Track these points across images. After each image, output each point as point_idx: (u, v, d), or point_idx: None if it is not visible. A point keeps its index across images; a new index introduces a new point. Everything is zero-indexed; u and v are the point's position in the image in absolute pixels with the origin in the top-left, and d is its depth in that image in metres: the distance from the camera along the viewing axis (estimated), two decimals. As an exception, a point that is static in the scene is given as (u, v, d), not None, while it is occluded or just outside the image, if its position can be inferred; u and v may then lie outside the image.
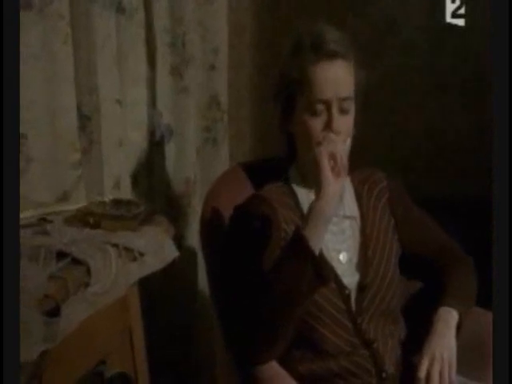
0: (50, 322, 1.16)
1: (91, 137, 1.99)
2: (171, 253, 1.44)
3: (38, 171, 1.87)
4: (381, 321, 1.61)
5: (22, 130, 1.82)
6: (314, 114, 1.55)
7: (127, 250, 1.34)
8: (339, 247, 1.63)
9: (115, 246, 1.33)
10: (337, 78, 1.54)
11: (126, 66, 2.06)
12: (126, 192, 2.10)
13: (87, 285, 1.24)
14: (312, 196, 1.49)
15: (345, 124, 1.55)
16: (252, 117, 2.52)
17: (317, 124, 1.55)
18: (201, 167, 2.37)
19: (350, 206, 1.68)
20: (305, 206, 1.57)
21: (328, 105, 1.54)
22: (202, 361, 2.33)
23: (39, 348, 1.14)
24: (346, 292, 1.57)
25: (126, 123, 2.09)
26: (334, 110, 1.54)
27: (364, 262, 1.62)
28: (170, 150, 2.27)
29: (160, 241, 1.42)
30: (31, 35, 1.79)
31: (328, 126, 1.54)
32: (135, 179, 2.18)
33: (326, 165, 1.43)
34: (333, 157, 1.44)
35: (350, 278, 1.60)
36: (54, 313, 1.18)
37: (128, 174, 2.13)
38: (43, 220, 1.45)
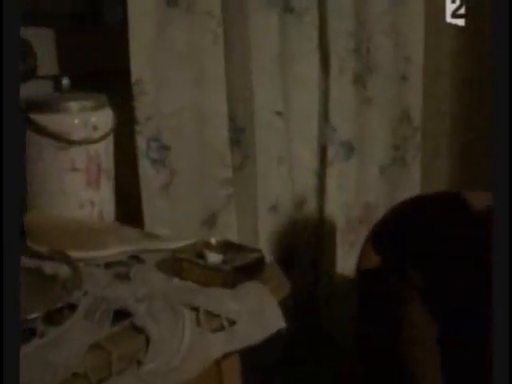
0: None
1: (245, 151, 1.76)
2: (275, 322, 1.13)
3: (181, 187, 1.67)
4: None
5: (165, 140, 1.63)
6: None
7: (212, 315, 1.07)
8: None
9: (195, 309, 1.06)
10: None
11: (293, 73, 1.81)
12: (285, 216, 1.85)
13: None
14: None
15: None
16: (451, 135, 2.16)
17: None
18: (385, 191, 2.06)
19: None
20: None
21: None
22: None
23: None
24: None
25: (289, 138, 1.82)
26: None
27: None
28: (348, 169, 1.98)
29: (262, 304, 1.13)
30: (177, 34, 1.58)
31: None
32: (299, 202, 1.91)
33: None
34: None
35: None
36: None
37: (289, 195, 1.86)
38: (135, 258, 1.21)
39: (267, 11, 1.69)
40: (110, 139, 1.28)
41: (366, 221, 2.03)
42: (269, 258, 1.23)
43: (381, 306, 1.60)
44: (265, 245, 1.82)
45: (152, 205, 1.62)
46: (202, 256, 1.18)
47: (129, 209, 1.57)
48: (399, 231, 1.69)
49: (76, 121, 1.21)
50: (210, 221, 1.72)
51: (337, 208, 1.98)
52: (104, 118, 1.26)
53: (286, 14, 1.74)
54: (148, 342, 0.99)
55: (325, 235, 1.97)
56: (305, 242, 1.96)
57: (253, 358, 1.18)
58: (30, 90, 1.37)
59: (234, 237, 1.73)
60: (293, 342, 1.92)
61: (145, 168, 1.60)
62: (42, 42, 1.46)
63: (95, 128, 1.22)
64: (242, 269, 1.16)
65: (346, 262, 1.99)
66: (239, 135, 1.73)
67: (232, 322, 1.08)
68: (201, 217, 1.71)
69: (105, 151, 1.26)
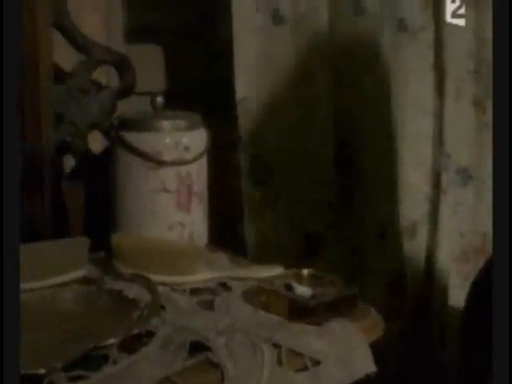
0: None
1: (352, 175, 1.69)
2: (364, 366, 1.05)
3: (284, 209, 1.67)
4: None
5: (269, 160, 1.61)
6: None
7: (295, 353, 1.00)
8: None
9: (277, 346, 0.99)
10: None
11: (405, 94, 1.71)
12: (394, 244, 1.76)
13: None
14: None
15: None
16: None
17: None
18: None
19: None
20: None
21: None
22: None
23: None
24: None
25: (401, 162, 1.73)
26: None
27: None
28: (464, 196, 1.87)
29: (351, 345, 1.05)
30: (283, 53, 1.57)
31: None
32: (410, 229, 1.82)
33: None
34: None
35: None
36: None
37: (399, 222, 1.77)
38: (223, 286, 1.16)
39: (380, 30, 1.61)
40: (204, 160, 1.23)
41: (482, 252, 1.91)
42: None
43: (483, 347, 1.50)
44: (371, 274, 1.74)
45: (254, 226, 1.58)
46: (290, 288, 1.12)
47: (227, 230, 1.53)
48: None
49: (167, 140, 1.17)
50: (313, 246, 1.66)
51: (451, 237, 1.87)
52: (197, 139, 1.21)
53: (399, 33, 1.66)
54: (223, 379, 0.93)
55: (437, 265, 1.86)
56: (415, 272, 1.86)
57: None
58: (129, 107, 1.35)
59: (337, 264, 1.67)
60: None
61: (248, 188, 1.56)
62: (145, 58, 1.45)
63: (187, 149, 1.18)
64: (332, 304, 1.08)
65: (459, 294, 1.88)
66: (346, 158, 1.67)
67: (316, 363, 1.00)
68: (303, 240, 1.66)
69: (197, 172, 1.21)
